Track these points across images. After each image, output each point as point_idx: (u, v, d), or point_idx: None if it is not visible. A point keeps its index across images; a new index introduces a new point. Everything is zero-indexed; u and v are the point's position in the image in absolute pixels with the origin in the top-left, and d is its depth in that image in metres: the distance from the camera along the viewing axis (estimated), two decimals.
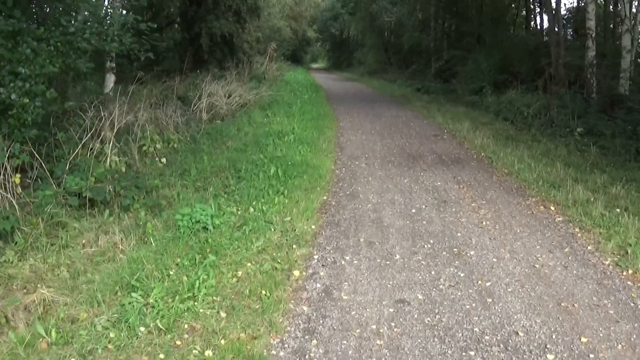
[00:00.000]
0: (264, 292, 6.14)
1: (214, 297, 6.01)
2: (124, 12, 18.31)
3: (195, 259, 6.89)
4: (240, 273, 6.63)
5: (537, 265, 7.04)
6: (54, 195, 8.41)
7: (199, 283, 6.16)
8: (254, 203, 9.32)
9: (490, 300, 6.07)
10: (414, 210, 9.41)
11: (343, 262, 7.16)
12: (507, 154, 13.90)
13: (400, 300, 6.09)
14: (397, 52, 48.00)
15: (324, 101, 27.26)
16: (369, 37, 56.61)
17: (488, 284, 6.47)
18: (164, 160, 12.36)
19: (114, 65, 17.78)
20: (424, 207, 9.63)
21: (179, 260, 6.90)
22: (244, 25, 30.98)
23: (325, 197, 10.11)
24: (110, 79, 17.76)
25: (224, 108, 18.79)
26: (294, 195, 9.89)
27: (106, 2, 18.74)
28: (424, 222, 8.78)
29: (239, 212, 8.92)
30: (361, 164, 13.10)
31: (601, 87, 19.45)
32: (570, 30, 30.89)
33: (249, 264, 6.90)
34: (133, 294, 5.89)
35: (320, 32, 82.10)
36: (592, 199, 9.86)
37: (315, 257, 7.37)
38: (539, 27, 33.81)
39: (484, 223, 8.72)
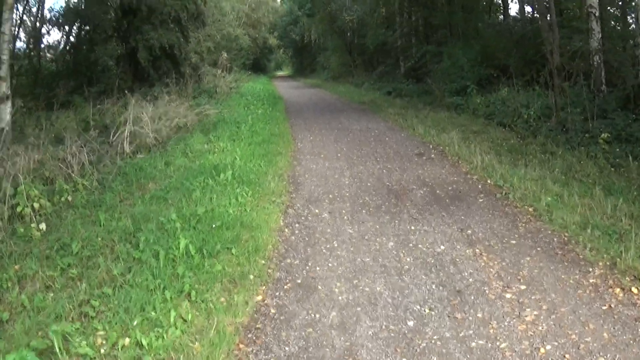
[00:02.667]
0: None
1: None
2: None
3: None
4: None
5: None
6: None
7: None
8: (134, 323, 5.36)
9: None
10: (411, 323, 5.38)
11: None
12: (522, 179, 10.24)
13: None
14: (362, 53, 44.63)
15: (281, 115, 23.16)
16: (331, 40, 53.80)
17: None
18: (42, 225, 8.39)
19: (8, 90, 13.99)
20: (426, 310, 5.63)
21: None
22: (187, 34, 27.36)
23: (260, 297, 6.10)
24: (6, 110, 13.86)
25: (151, 136, 14.82)
26: (207, 297, 5.91)
27: None
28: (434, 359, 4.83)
29: (103, 350, 4.97)
30: (323, 212, 9.16)
31: (614, 78, 15.86)
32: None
33: None
34: None
35: (281, 38, 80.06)
36: None
37: None
38: (518, 13, 30.27)
39: (543, 349, 4.80)
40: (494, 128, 16.25)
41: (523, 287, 5.99)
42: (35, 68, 26.44)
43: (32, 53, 26.97)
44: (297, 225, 8.56)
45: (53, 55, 29.56)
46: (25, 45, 27.05)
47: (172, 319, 5.38)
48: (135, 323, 5.34)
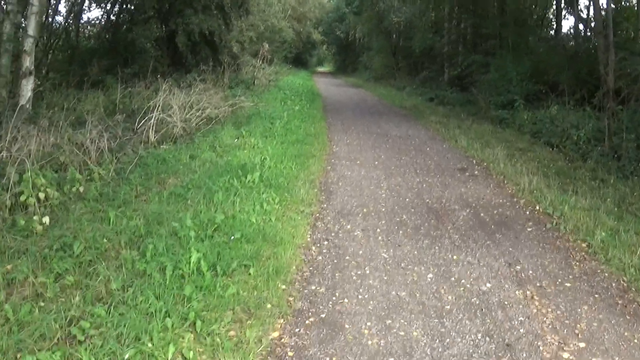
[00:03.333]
0: None
1: None
2: None
3: None
4: None
5: None
6: None
7: None
8: (125, 356, 4.52)
9: None
10: None
11: None
12: (573, 207, 9.31)
13: None
14: (407, 57, 43.64)
15: (318, 113, 22.31)
16: (376, 40, 52.52)
17: None
18: (46, 219, 7.60)
19: (32, 65, 13.37)
20: None
21: None
22: (230, 22, 26.53)
23: (276, 334, 5.24)
24: (28, 87, 13.21)
25: (179, 126, 14.03)
26: (214, 329, 5.05)
27: None
28: None
29: None
30: (355, 229, 8.28)
31: None
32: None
33: None
34: None
35: (326, 34, 79.25)
36: None
37: None
38: (571, 28, 29.19)
39: None
40: (541, 147, 15.36)
41: (582, 344, 5.11)
42: (72, 44, 25.81)
43: (70, 28, 26.34)
44: (325, 242, 7.70)
45: (92, 33, 28.97)
46: (64, 20, 26.40)
47: (170, 356, 4.57)
48: (126, 357, 4.52)
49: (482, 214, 9.18)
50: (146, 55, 25.27)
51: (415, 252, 7.39)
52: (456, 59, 32.55)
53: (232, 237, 7.12)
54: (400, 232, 8.22)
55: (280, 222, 8.12)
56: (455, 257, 7.26)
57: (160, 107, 14.21)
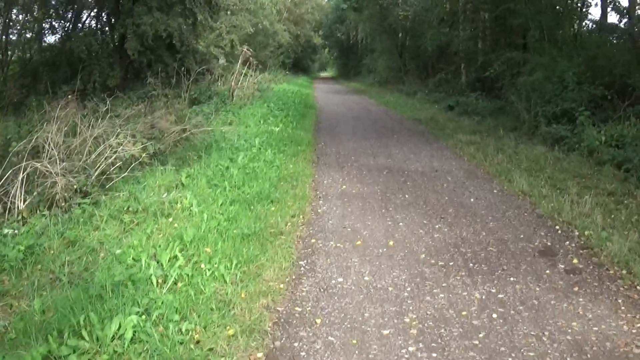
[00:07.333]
0: None
1: None
2: None
3: None
4: None
5: None
6: None
7: None
8: None
9: None
10: None
11: None
12: None
13: None
14: (415, 57, 39.70)
15: (307, 136, 16.28)
16: (380, 40, 48.24)
17: None
18: None
19: None
20: None
21: None
22: (195, 22, 21.29)
23: None
24: None
25: (59, 182, 8.28)
26: None
27: None
28: None
29: None
30: None
31: None
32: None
33: None
34: None
35: (326, 37, 77.09)
36: None
37: None
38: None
39: None
40: (634, 185, 9.85)
41: None
42: (25, 58, 23.56)
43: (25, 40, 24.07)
44: None
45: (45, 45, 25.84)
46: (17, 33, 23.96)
47: None
48: None
49: None
50: (92, 68, 20.07)
51: None
52: (474, 57, 27.20)
53: None
54: None
55: None
56: None
57: (48, 149, 8.88)
